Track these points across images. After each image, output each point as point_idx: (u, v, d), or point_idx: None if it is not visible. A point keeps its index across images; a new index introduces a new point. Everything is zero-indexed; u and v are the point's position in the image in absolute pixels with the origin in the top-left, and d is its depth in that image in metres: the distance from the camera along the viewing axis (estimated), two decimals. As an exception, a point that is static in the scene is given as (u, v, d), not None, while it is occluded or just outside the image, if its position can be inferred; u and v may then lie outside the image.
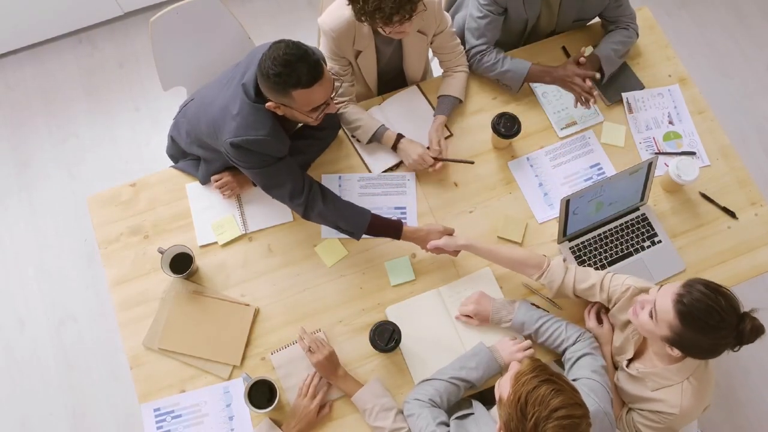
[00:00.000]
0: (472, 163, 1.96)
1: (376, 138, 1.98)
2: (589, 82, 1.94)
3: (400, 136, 1.96)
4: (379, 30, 1.74)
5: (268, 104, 1.59)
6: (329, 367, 1.70)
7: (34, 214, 2.85)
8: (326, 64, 1.58)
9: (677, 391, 1.50)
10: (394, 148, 1.97)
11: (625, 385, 1.62)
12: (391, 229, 1.80)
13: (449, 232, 1.82)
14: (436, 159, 1.93)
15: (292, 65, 1.48)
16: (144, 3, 3.12)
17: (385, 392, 1.68)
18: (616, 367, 1.68)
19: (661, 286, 1.46)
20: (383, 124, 1.99)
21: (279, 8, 3.24)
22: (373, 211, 1.78)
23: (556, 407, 1.18)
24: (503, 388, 1.28)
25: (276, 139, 1.64)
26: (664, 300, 1.40)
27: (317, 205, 1.75)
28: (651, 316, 1.43)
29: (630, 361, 1.62)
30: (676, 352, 1.43)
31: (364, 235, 1.80)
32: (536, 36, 2.18)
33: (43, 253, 2.78)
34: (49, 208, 2.85)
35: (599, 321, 1.72)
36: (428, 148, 1.97)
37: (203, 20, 2.15)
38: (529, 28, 2.10)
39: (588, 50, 2.07)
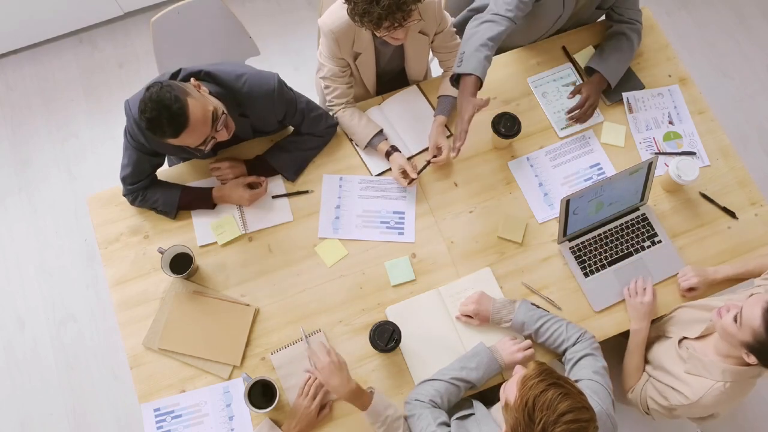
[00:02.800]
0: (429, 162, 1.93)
1: (371, 146, 1.98)
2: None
3: (392, 149, 1.96)
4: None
5: None
6: (341, 379, 1.55)
7: (34, 214, 2.85)
8: (189, 106, 1.51)
9: (707, 385, 1.51)
10: (388, 158, 1.97)
11: (664, 354, 1.63)
12: (203, 199, 1.91)
13: (242, 177, 1.90)
14: (410, 181, 1.90)
15: (154, 122, 1.50)
16: (144, 3, 3.12)
17: (390, 401, 1.63)
18: (651, 338, 1.73)
19: (753, 294, 1.47)
20: (380, 131, 1.98)
21: (279, 8, 3.24)
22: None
23: (563, 411, 1.18)
24: (509, 392, 1.27)
25: (140, 128, 1.70)
26: (754, 307, 1.40)
27: (138, 197, 1.89)
28: (735, 320, 1.43)
29: (683, 338, 1.63)
30: (752, 359, 1.42)
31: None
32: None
33: (44, 252, 2.78)
34: (49, 208, 2.85)
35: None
36: (427, 148, 1.98)
37: (203, 20, 2.15)
38: (558, 25, 2.07)
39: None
